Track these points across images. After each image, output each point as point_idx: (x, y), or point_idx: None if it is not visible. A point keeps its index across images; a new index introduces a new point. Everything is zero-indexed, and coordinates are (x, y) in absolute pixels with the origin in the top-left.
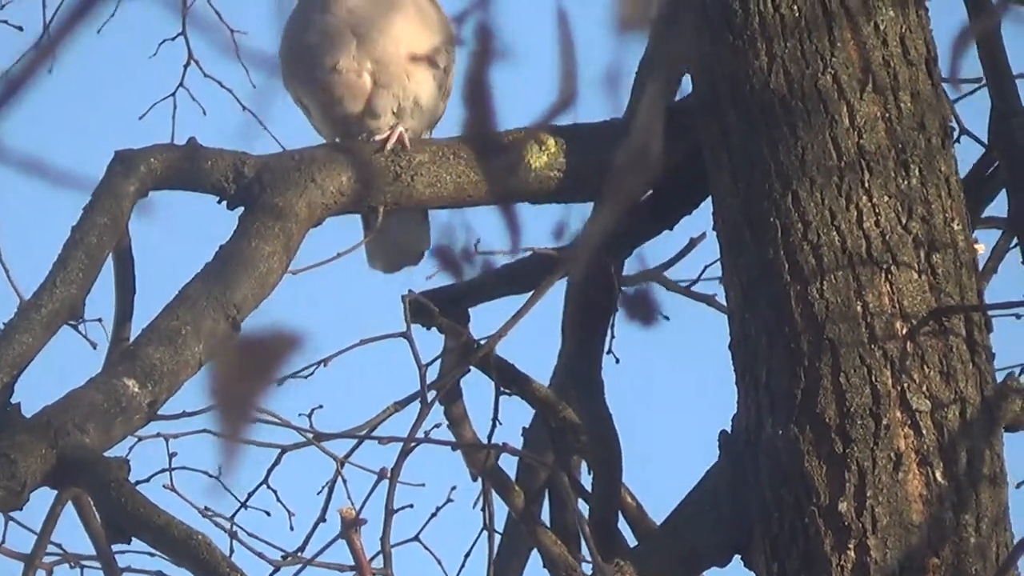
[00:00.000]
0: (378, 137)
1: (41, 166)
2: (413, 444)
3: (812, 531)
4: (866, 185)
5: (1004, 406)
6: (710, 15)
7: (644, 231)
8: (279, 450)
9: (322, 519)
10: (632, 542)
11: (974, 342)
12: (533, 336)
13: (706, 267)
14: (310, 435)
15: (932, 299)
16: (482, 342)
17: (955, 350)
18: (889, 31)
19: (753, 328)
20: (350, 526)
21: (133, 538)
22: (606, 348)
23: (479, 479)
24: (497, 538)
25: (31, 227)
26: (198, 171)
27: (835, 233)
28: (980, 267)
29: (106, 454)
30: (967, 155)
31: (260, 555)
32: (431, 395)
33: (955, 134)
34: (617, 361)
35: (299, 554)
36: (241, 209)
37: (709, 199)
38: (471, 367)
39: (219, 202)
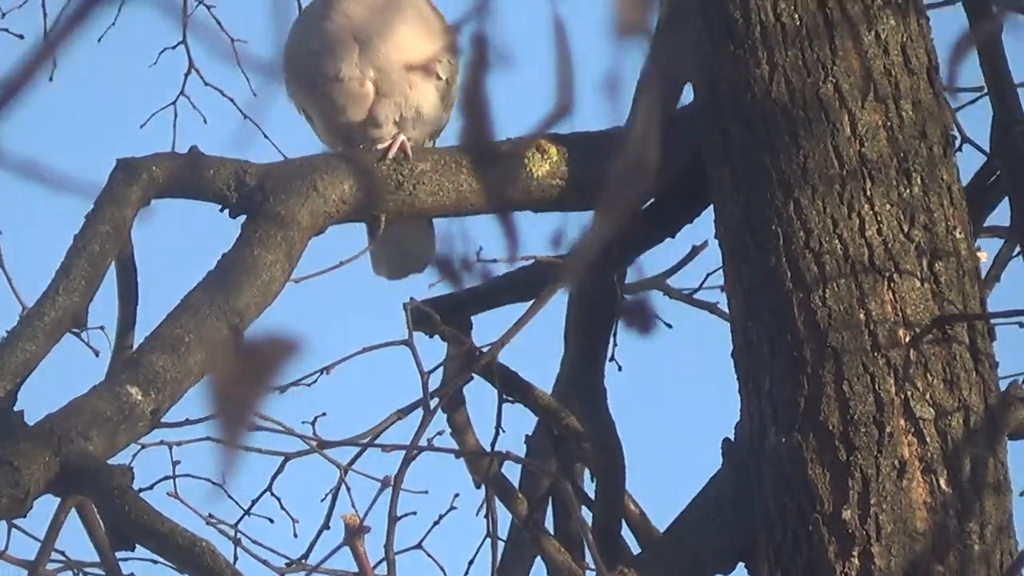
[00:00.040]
0: (380, 146)
1: (41, 170)
2: (416, 452)
3: (816, 539)
4: (868, 193)
5: (1007, 414)
6: (711, 24)
7: (646, 239)
8: (283, 458)
9: (326, 526)
10: (635, 549)
11: (977, 350)
12: (536, 344)
13: (708, 275)
14: (314, 443)
15: (935, 307)
16: (484, 350)
17: (958, 358)
18: (890, 40)
19: (756, 336)
20: (354, 533)
21: (137, 545)
22: (609, 355)
23: (482, 486)
24: (501, 546)
25: (33, 235)
26: (200, 179)
27: (837, 241)
28: (983, 275)
29: (110, 462)
30: (969, 163)
31: (264, 562)
32: (434, 403)
33: (957, 142)
34: (620, 368)
35: (303, 561)
36: (243, 217)
37: (711, 207)
38: (474, 375)
39: (221, 210)
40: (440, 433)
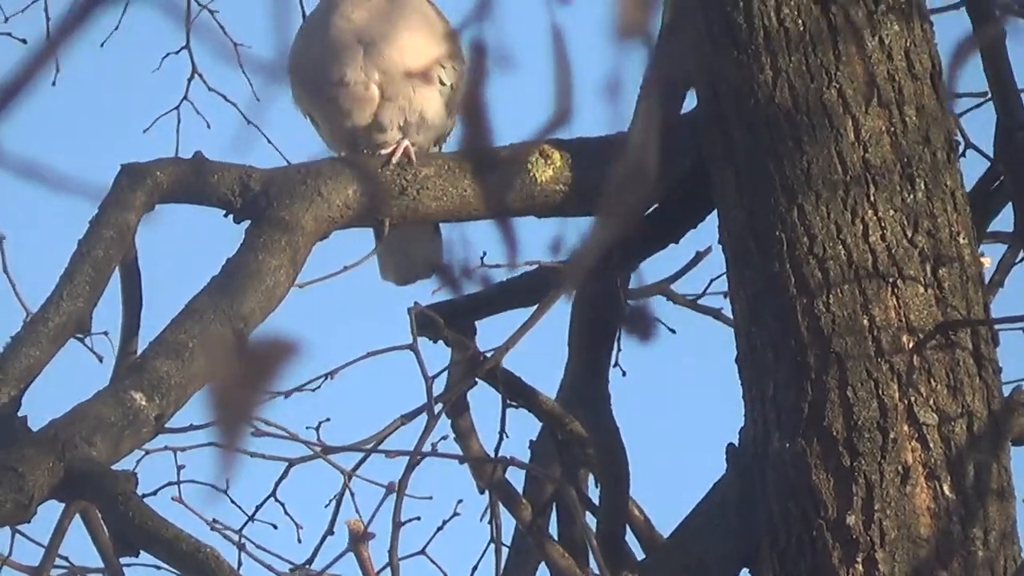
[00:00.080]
0: (384, 151)
1: (43, 171)
2: (420, 457)
3: (820, 544)
4: (872, 199)
5: (1011, 420)
6: (714, 29)
7: (650, 245)
8: (287, 463)
9: (330, 532)
10: (639, 555)
11: (981, 356)
12: (540, 349)
13: (712, 280)
14: (318, 448)
15: (939, 313)
16: (488, 355)
17: (962, 364)
18: (894, 45)
19: (759, 341)
20: (358, 539)
21: (141, 551)
22: (613, 361)
23: (486, 492)
24: (504, 551)
25: (37, 241)
26: (204, 184)
27: (841, 247)
28: (986, 281)
29: (114, 467)
30: (973, 169)
31: (268, 567)
32: (438, 408)
33: (961, 148)
34: (624, 374)
35: (307, 567)
36: (247, 222)
37: (715, 213)
38: (478, 380)
39: (225, 215)
40: (444, 438)
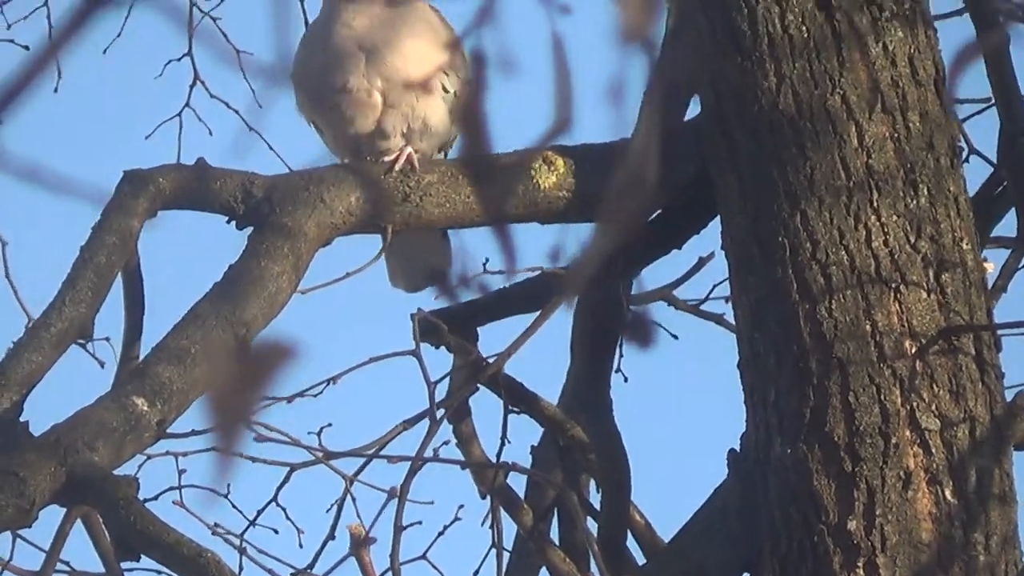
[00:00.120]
0: (387, 158)
1: (45, 173)
2: (422, 462)
3: (821, 550)
4: (875, 205)
5: (1013, 425)
6: (718, 35)
7: (653, 251)
8: (288, 468)
9: (331, 536)
10: (641, 560)
11: (983, 361)
12: (542, 355)
13: (715, 286)
14: (319, 453)
15: (941, 318)
16: (491, 360)
17: (964, 369)
18: (898, 52)
19: (762, 347)
20: (359, 544)
21: (142, 556)
22: (615, 367)
23: (488, 497)
24: (506, 556)
25: (39, 246)
26: (207, 191)
27: (844, 252)
28: (989, 286)
29: (115, 472)
30: (976, 174)
31: (270, 572)
32: (440, 413)
33: (964, 153)
34: (626, 380)
35: (309, 572)
36: (250, 229)
37: (718, 218)
38: (480, 385)
39: (228, 222)
40: (446, 443)
